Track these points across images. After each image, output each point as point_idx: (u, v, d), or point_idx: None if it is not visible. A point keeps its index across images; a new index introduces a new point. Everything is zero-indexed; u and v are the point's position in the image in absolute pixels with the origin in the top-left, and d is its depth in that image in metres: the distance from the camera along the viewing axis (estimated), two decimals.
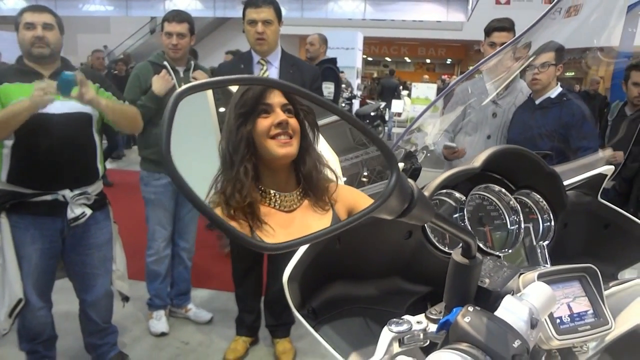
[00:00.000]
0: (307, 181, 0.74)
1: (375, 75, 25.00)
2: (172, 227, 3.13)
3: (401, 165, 0.82)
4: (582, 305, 0.73)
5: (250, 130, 0.71)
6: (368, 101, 14.30)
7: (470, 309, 0.47)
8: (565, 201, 0.89)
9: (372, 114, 11.00)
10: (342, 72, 12.91)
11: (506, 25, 3.11)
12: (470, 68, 1.89)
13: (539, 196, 0.90)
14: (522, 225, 0.88)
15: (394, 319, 0.53)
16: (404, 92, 14.43)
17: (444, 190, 0.83)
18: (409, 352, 0.51)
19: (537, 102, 2.86)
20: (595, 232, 0.98)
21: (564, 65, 2.88)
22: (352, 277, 0.83)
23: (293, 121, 0.73)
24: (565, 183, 0.93)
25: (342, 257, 0.80)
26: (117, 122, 2.45)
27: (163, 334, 3.11)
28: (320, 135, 0.78)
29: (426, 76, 16.62)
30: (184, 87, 0.44)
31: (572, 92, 3.08)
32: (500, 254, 0.85)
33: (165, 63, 2.98)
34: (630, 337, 0.80)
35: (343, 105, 11.17)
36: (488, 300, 0.52)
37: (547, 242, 0.89)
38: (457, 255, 0.54)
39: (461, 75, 1.94)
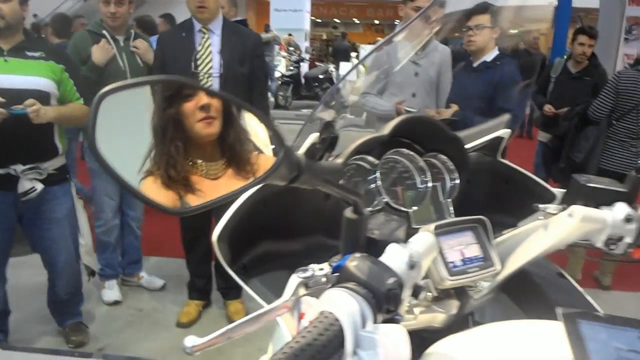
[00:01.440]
0: (230, 152, 0.82)
1: (324, 37, 24.81)
2: (119, 197, 3.14)
3: (315, 136, 0.91)
4: (473, 251, 0.86)
5: (176, 112, 0.78)
6: (317, 64, 14.28)
7: (358, 255, 0.57)
8: (467, 162, 1.00)
9: (321, 76, 11.00)
10: (291, 34, 12.80)
11: None
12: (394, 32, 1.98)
13: (445, 158, 1.01)
14: (430, 184, 0.99)
15: (301, 267, 0.62)
16: (353, 54, 14.49)
17: (359, 156, 0.93)
18: (313, 294, 0.61)
19: (474, 64, 2.99)
20: (496, 188, 1.11)
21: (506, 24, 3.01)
22: (280, 235, 0.93)
23: (215, 102, 0.81)
24: (468, 146, 1.05)
25: (268, 219, 0.89)
26: (62, 124, 2.45)
27: (116, 303, 3.17)
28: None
29: (379, 38, 16.63)
30: (106, 87, 0.50)
31: (509, 56, 3.21)
32: (410, 210, 0.96)
33: (104, 32, 2.93)
34: (518, 276, 0.94)
35: (291, 68, 11.14)
36: (376, 248, 0.62)
37: (452, 199, 1.01)
38: (348, 212, 0.64)
39: (385, 39, 2.04)
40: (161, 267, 3.68)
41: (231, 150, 0.82)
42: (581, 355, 0.60)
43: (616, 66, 11.71)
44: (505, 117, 1.08)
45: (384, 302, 0.53)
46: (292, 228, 0.91)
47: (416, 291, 0.63)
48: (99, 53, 2.85)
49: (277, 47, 11.73)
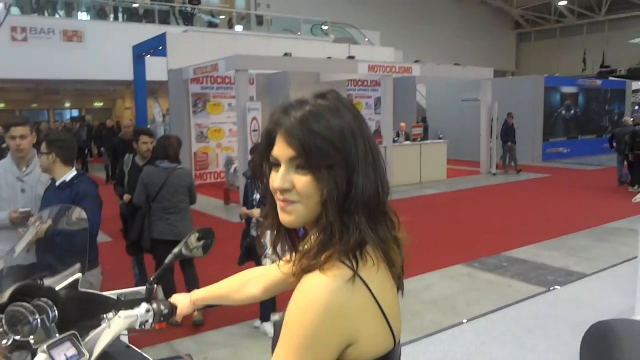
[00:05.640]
0: None
1: None
2: None
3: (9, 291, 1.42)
4: (72, 352, 1.55)
5: None
6: None
7: None
8: (59, 298, 1.69)
9: None
10: None
11: (21, 121, 3.76)
12: None
13: (46, 299, 1.66)
14: (39, 319, 1.63)
15: None
16: None
17: None
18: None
19: (57, 184, 3.53)
20: (87, 306, 1.82)
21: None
22: None
23: None
24: (60, 286, 1.74)
25: None
26: None
27: None
28: None
29: None
30: None
31: (83, 175, 3.82)
32: (29, 339, 1.58)
33: None
34: (104, 356, 1.68)
35: None
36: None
37: (55, 323, 1.68)
38: None
39: None
40: None
41: None
42: None
43: (191, 133, 14.02)
44: (77, 266, 1.83)
45: None
46: None
47: None
48: None
49: None
